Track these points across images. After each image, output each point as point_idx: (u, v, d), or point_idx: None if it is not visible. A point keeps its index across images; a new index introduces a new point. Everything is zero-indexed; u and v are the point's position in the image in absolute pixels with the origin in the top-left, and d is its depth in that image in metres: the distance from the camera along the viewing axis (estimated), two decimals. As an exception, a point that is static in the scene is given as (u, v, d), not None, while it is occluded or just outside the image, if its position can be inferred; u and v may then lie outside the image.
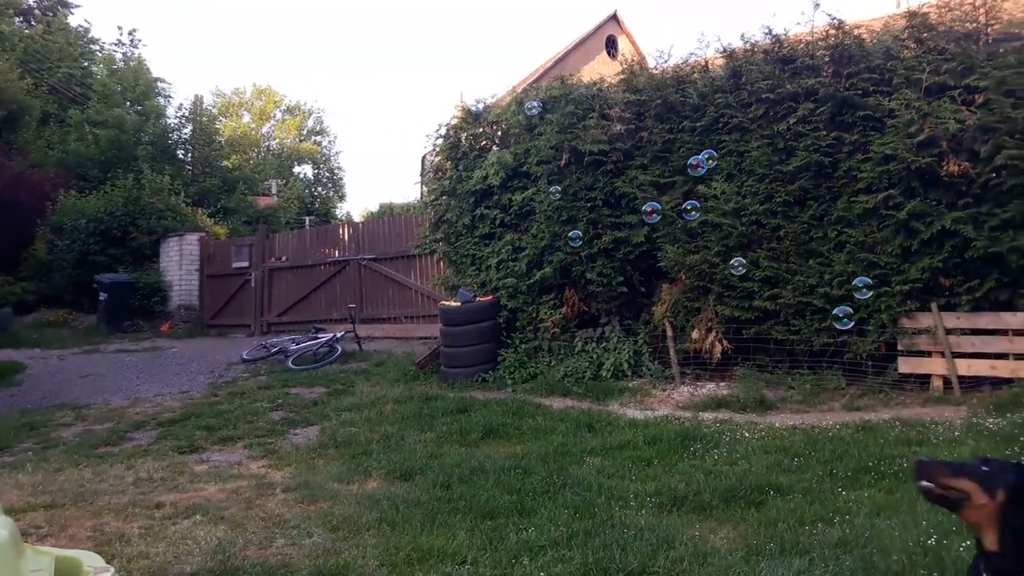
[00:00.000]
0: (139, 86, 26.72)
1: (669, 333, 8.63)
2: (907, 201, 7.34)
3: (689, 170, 7.17)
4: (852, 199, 7.71)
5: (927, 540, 3.69)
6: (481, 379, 9.42)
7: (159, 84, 28.05)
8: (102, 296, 17.50)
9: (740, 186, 8.32)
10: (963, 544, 3.65)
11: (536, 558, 3.98)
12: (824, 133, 7.84)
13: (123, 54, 30.89)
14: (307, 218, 29.74)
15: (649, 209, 7.35)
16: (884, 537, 3.84)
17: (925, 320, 7.39)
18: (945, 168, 7.20)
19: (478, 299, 9.84)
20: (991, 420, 5.99)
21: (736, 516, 4.48)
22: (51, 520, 5.10)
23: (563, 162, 9.28)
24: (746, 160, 8.34)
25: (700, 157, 6.98)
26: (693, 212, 7.41)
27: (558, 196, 8.82)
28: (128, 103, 25.99)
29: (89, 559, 4.00)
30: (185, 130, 26.34)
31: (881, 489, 4.65)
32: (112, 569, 3.81)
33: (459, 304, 9.74)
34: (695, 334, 8.42)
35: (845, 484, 4.83)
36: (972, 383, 7.18)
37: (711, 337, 8.30)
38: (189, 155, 26.07)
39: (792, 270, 7.95)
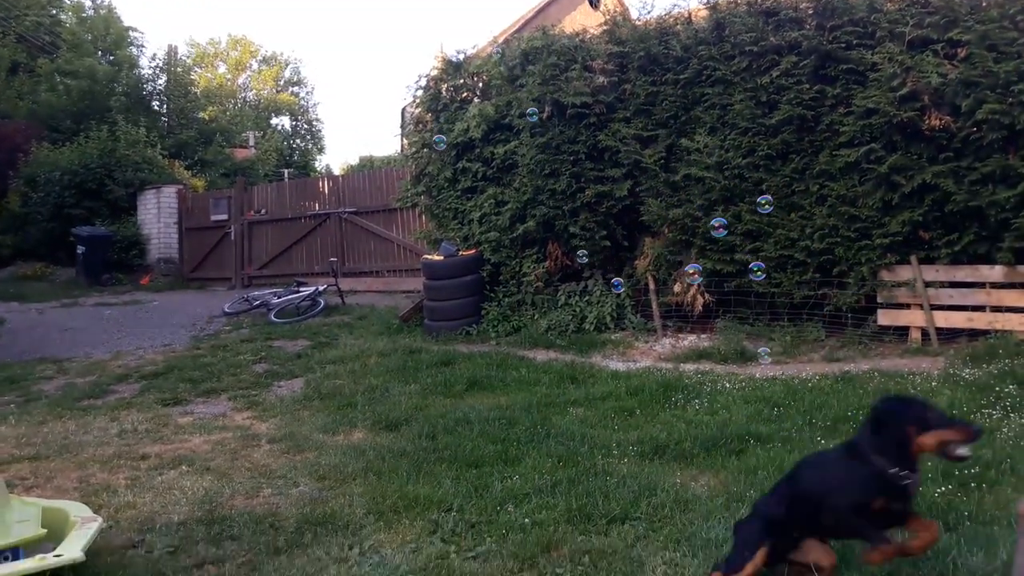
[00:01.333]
0: (110, 35, 26.01)
1: (651, 286, 8.69)
2: (888, 155, 7.37)
3: (711, 231, 7.60)
4: (834, 153, 7.72)
5: (903, 486, 3.78)
6: (465, 332, 9.45)
7: (131, 33, 27.29)
8: (80, 249, 17.28)
9: (723, 139, 8.30)
10: (938, 491, 3.76)
11: (521, 505, 4.06)
12: (807, 86, 7.82)
13: (92, 2, 30.00)
14: (286, 171, 29.31)
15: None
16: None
17: (904, 273, 7.47)
18: (927, 122, 7.21)
19: (461, 253, 9.83)
20: (967, 371, 6.11)
21: (717, 464, 4.57)
22: (36, 471, 5.12)
23: (545, 114, 9.20)
24: (729, 113, 8.30)
25: (725, 220, 7.42)
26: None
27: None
28: (99, 52, 25.28)
29: (77, 509, 4.02)
30: (159, 81, 25.69)
31: (858, 438, 4.73)
32: (100, 519, 3.85)
33: (442, 258, 9.72)
34: (677, 287, 8.48)
35: (824, 433, 4.92)
36: (949, 335, 7.30)
37: (693, 290, 8.36)
38: (164, 107, 25.50)
39: (774, 223, 7.99)
